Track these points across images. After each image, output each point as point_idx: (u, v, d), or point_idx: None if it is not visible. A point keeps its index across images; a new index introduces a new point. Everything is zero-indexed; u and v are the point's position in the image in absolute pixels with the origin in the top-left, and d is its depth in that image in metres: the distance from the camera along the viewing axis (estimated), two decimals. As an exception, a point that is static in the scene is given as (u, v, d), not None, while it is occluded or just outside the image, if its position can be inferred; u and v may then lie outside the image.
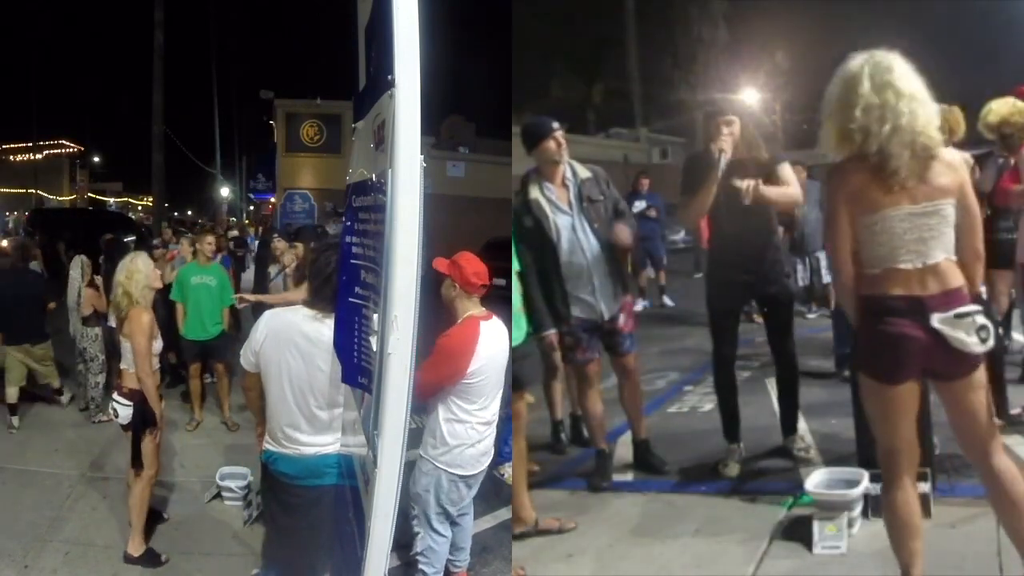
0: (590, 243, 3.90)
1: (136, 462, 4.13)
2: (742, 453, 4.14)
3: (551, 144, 3.85)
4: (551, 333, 3.89)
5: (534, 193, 3.90)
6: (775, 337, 4.16)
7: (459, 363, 3.19)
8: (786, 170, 3.95)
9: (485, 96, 21.47)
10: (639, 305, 8.91)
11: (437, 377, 3.19)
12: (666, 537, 3.51)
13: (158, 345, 4.17)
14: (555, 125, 3.85)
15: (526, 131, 3.94)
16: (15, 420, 6.21)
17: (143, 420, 4.06)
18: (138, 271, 4.14)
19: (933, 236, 2.47)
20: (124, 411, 4.04)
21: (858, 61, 2.50)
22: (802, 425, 4.32)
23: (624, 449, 4.41)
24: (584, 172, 3.98)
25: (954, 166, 2.50)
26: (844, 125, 2.48)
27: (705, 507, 3.75)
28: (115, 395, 4.16)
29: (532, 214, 3.89)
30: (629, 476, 4.22)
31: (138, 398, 4.04)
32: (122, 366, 4.17)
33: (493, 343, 3.31)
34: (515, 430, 3.73)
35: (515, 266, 3.90)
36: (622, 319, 4.05)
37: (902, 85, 2.43)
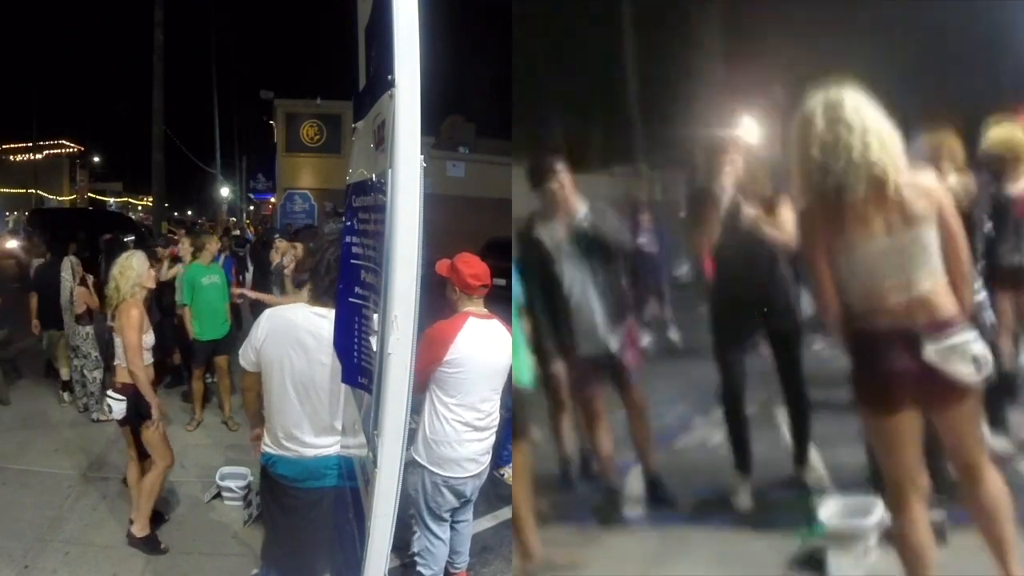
0: (586, 278, 3.93)
1: (143, 455, 4.24)
2: (751, 486, 4.06)
3: (554, 186, 3.89)
4: (558, 367, 3.92)
5: (537, 232, 3.94)
6: (784, 371, 4.11)
7: (436, 350, 3.21)
8: (785, 212, 3.97)
9: (485, 96, 21.51)
10: (644, 340, 8.89)
11: (419, 365, 3.19)
12: (679, 572, 3.47)
13: (149, 339, 4.21)
14: (559, 167, 3.89)
15: (531, 170, 4.00)
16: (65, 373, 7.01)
17: (138, 414, 4.10)
18: (131, 268, 4.23)
19: (915, 266, 2.42)
20: (118, 406, 4.10)
21: (812, 101, 2.51)
22: (813, 454, 4.30)
23: (634, 483, 4.38)
24: (581, 207, 4.01)
25: (929, 190, 2.46)
26: (805, 165, 2.49)
27: (717, 541, 3.69)
28: (109, 391, 4.23)
29: (536, 252, 3.93)
30: (639, 510, 4.16)
31: (131, 392, 4.09)
32: (116, 362, 4.24)
33: (480, 339, 3.31)
34: (519, 469, 3.70)
35: (515, 281, 3.92)
36: (628, 354, 4.06)
37: (853, 119, 2.43)
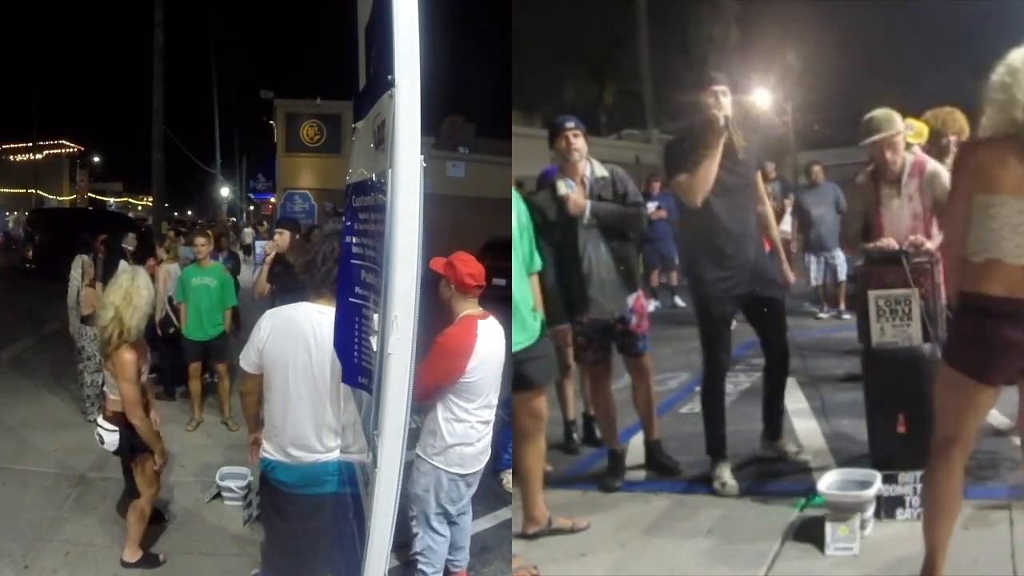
0: (600, 242, 3.93)
1: (133, 492, 3.91)
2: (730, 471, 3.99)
3: (560, 142, 3.97)
4: (564, 327, 3.91)
5: (561, 188, 3.96)
6: (770, 338, 4.11)
7: (457, 362, 3.19)
8: (760, 185, 4.13)
9: (485, 96, 21.48)
10: (651, 306, 8.92)
11: (435, 377, 3.20)
12: (678, 537, 3.51)
13: (145, 371, 3.82)
14: (569, 124, 3.95)
15: (549, 127, 4.11)
16: None
17: (132, 447, 3.78)
18: (139, 294, 3.62)
19: None
20: (109, 436, 3.79)
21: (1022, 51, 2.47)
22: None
23: (636, 449, 4.40)
24: (601, 171, 4.04)
25: None
26: (1009, 106, 2.42)
27: (717, 508, 3.76)
28: (99, 419, 3.89)
29: (557, 207, 3.95)
30: (641, 476, 4.22)
31: (123, 423, 3.73)
32: (105, 391, 3.85)
33: (490, 342, 3.32)
34: (535, 429, 3.67)
35: (515, 265, 3.90)
36: (635, 320, 4.06)
37: None
